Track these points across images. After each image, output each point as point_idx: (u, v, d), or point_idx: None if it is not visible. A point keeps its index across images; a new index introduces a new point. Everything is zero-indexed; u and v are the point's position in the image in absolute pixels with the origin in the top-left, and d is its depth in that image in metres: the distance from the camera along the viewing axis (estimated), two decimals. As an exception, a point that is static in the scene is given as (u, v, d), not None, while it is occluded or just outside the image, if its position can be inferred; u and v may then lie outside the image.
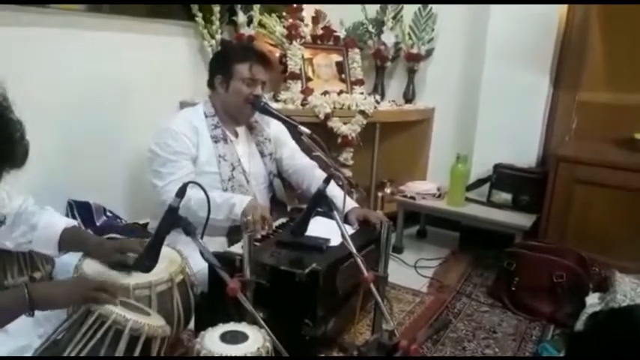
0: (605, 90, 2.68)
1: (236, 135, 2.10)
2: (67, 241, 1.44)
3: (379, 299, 1.53)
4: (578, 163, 2.35)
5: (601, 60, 2.69)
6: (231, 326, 1.28)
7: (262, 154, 2.16)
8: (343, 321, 1.80)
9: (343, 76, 2.90)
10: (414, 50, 2.96)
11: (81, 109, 2.25)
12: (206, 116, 2.04)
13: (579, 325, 1.81)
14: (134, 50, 2.42)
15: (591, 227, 2.31)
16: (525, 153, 2.76)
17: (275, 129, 2.22)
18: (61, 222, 1.46)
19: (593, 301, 1.95)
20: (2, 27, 1.90)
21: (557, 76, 2.76)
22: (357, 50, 2.95)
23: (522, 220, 2.52)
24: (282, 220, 2.04)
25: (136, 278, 1.37)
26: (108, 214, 2.33)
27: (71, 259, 1.55)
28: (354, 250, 1.54)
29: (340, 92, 2.76)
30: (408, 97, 3.05)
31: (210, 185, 1.82)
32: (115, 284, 1.26)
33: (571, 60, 2.74)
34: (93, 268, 1.41)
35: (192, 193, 1.60)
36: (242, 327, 1.28)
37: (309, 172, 2.17)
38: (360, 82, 2.90)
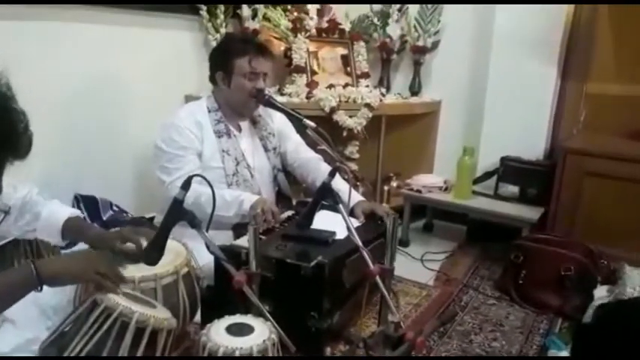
0: (615, 81, 2.65)
1: (239, 129, 2.10)
2: (70, 230, 1.45)
3: (385, 292, 1.52)
4: (586, 155, 2.32)
5: (610, 50, 2.66)
6: (237, 318, 1.28)
7: (266, 149, 2.15)
8: (349, 314, 1.80)
9: (349, 69, 2.88)
10: (420, 43, 2.94)
11: (86, 104, 2.26)
12: (209, 111, 2.04)
13: (587, 318, 1.80)
14: (139, 44, 2.42)
15: (600, 220, 2.28)
16: (533, 145, 2.74)
17: (279, 123, 2.21)
18: (64, 212, 1.47)
19: (601, 294, 1.93)
20: (8, 21, 1.90)
21: (565, 67, 2.74)
22: (362, 43, 2.93)
23: (530, 213, 2.50)
24: (288, 213, 2.03)
25: (141, 271, 1.37)
26: (114, 208, 2.34)
27: (77, 249, 1.56)
28: (359, 243, 1.53)
29: (346, 85, 2.74)
30: (414, 89, 3.03)
31: (215, 180, 1.80)
32: (119, 274, 1.27)
33: (579, 51, 2.71)
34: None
35: (202, 189, 1.61)
36: (248, 319, 1.28)
37: (313, 165, 2.16)
38: (366, 75, 2.89)
